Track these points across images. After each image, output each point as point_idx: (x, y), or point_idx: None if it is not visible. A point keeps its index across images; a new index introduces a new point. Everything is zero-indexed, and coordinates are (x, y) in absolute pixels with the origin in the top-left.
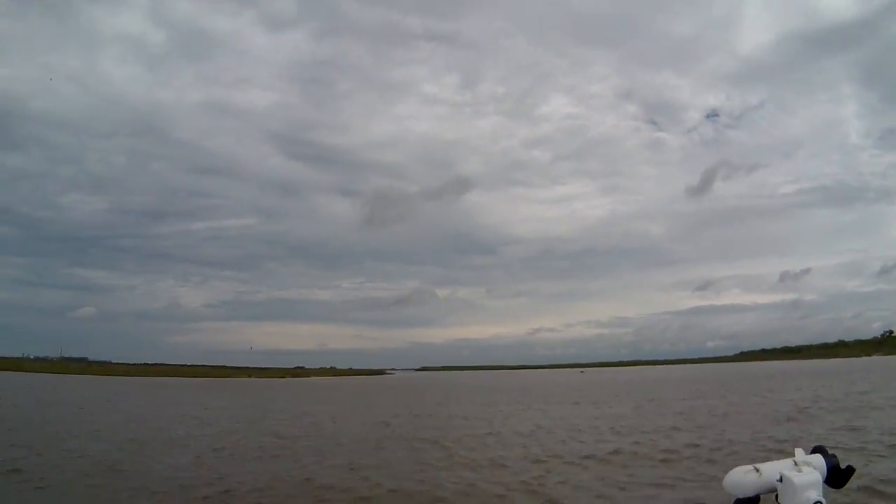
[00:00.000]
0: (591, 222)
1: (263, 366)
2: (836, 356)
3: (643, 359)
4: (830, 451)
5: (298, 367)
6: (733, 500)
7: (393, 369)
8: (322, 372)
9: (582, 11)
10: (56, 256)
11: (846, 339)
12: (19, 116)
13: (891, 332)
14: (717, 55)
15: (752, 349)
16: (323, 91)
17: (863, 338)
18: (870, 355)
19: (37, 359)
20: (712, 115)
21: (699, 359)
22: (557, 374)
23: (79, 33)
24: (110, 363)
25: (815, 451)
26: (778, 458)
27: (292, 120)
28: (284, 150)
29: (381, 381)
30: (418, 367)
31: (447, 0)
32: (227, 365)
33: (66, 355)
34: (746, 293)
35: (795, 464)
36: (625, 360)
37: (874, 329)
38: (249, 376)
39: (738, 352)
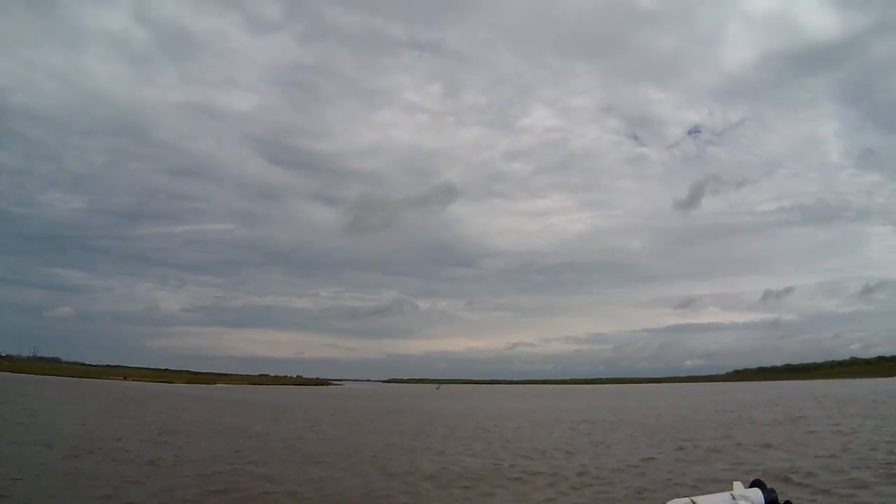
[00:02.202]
0: (570, 236)
1: (241, 373)
2: (813, 377)
3: (621, 376)
4: (769, 486)
5: (262, 375)
6: None
7: (342, 380)
8: (240, 380)
9: (566, 24)
10: (34, 255)
11: (821, 361)
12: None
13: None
14: (699, 71)
15: (731, 369)
16: (305, 96)
17: (839, 358)
18: (848, 377)
19: (7, 357)
20: (694, 131)
21: (676, 377)
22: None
23: (62, 29)
24: (83, 364)
25: (753, 484)
26: (714, 492)
27: (274, 124)
28: (265, 155)
29: (297, 393)
30: (387, 378)
31: (431, 9)
32: (199, 371)
33: (38, 354)
34: (726, 311)
35: (733, 497)
36: (602, 377)
37: (851, 350)
38: (125, 378)
39: (718, 371)
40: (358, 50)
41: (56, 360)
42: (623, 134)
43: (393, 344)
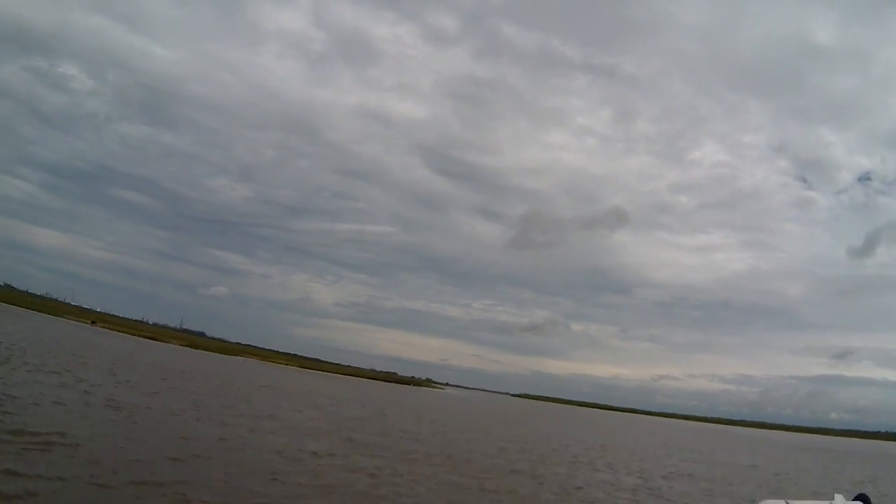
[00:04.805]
0: (729, 275)
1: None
2: None
3: (764, 420)
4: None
5: (390, 373)
6: None
7: (446, 384)
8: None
9: (740, 56)
10: (196, 235)
11: None
12: (176, 97)
13: None
14: (875, 116)
15: (878, 427)
16: (476, 110)
17: None
18: None
19: (155, 325)
20: (864, 177)
21: (820, 429)
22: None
23: (242, 26)
24: (225, 341)
25: (857, 498)
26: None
27: (443, 135)
28: (431, 164)
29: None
30: (519, 392)
31: (607, 32)
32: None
33: (185, 326)
34: (881, 368)
35: None
36: (746, 419)
37: None
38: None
39: (864, 428)
40: (532, 68)
41: (201, 334)
42: (792, 175)
43: (539, 362)
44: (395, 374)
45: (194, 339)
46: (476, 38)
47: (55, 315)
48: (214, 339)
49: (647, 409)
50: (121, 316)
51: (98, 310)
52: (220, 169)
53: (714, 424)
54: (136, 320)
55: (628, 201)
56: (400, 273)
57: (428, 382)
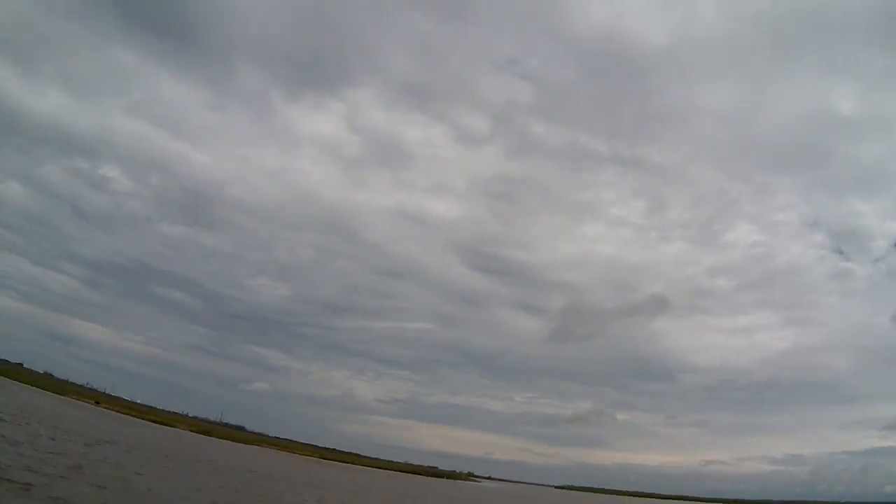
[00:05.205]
0: (773, 354)
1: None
2: None
3: (818, 500)
4: None
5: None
6: None
7: (488, 477)
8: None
9: (766, 137)
10: (237, 332)
11: None
12: (215, 200)
13: None
14: None
15: None
16: (511, 207)
17: None
18: None
19: (195, 418)
20: None
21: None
22: None
23: (277, 131)
24: (265, 435)
25: None
26: None
27: (479, 232)
28: (468, 261)
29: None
30: (561, 484)
31: (633, 125)
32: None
33: (224, 420)
34: None
35: None
36: (798, 499)
37: None
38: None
39: None
40: (563, 164)
41: (241, 428)
42: (828, 248)
43: (585, 453)
44: (436, 468)
45: (205, 426)
46: (506, 137)
47: (61, 395)
48: (254, 433)
49: (696, 495)
50: (160, 408)
51: (138, 401)
52: (259, 269)
53: None
54: (175, 413)
55: (667, 288)
56: (441, 369)
57: (467, 476)
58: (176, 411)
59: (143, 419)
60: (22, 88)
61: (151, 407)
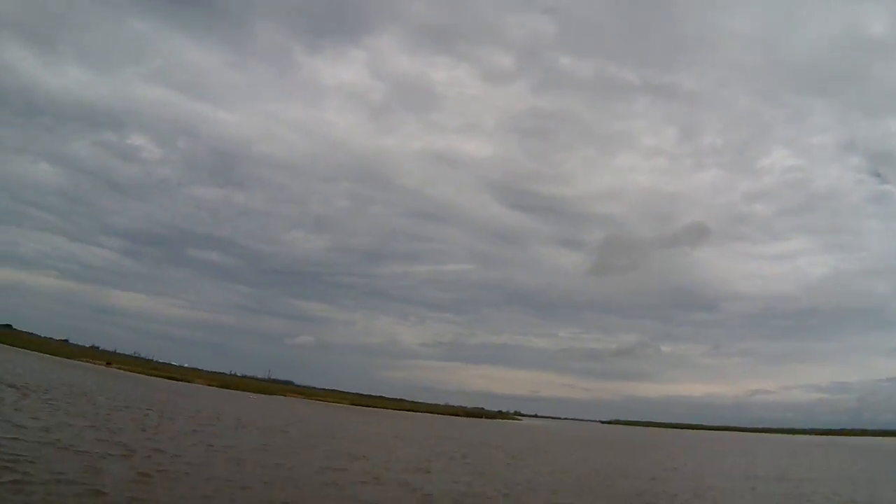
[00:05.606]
0: (814, 280)
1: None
2: None
3: (866, 427)
4: None
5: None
6: None
7: (535, 415)
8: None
9: (798, 59)
10: (277, 287)
11: None
12: (244, 158)
13: None
14: None
15: None
16: (543, 142)
17: None
18: None
19: (244, 376)
20: None
21: None
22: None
23: (300, 84)
24: (313, 388)
25: None
26: None
27: (512, 170)
28: (504, 199)
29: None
30: (609, 419)
31: (662, 52)
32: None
33: (272, 377)
34: None
35: None
36: (845, 427)
37: None
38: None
39: None
40: (593, 96)
41: (289, 383)
42: (865, 171)
43: (631, 386)
44: (483, 409)
45: (226, 380)
46: (534, 72)
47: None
48: (302, 386)
49: (742, 425)
50: (206, 370)
51: (186, 365)
52: (294, 223)
53: (811, 437)
54: (220, 373)
55: (704, 216)
56: (483, 309)
57: (514, 416)
58: (223, 371)
59: (159, 377)
60: (40, 68)
61: (215, 372)
